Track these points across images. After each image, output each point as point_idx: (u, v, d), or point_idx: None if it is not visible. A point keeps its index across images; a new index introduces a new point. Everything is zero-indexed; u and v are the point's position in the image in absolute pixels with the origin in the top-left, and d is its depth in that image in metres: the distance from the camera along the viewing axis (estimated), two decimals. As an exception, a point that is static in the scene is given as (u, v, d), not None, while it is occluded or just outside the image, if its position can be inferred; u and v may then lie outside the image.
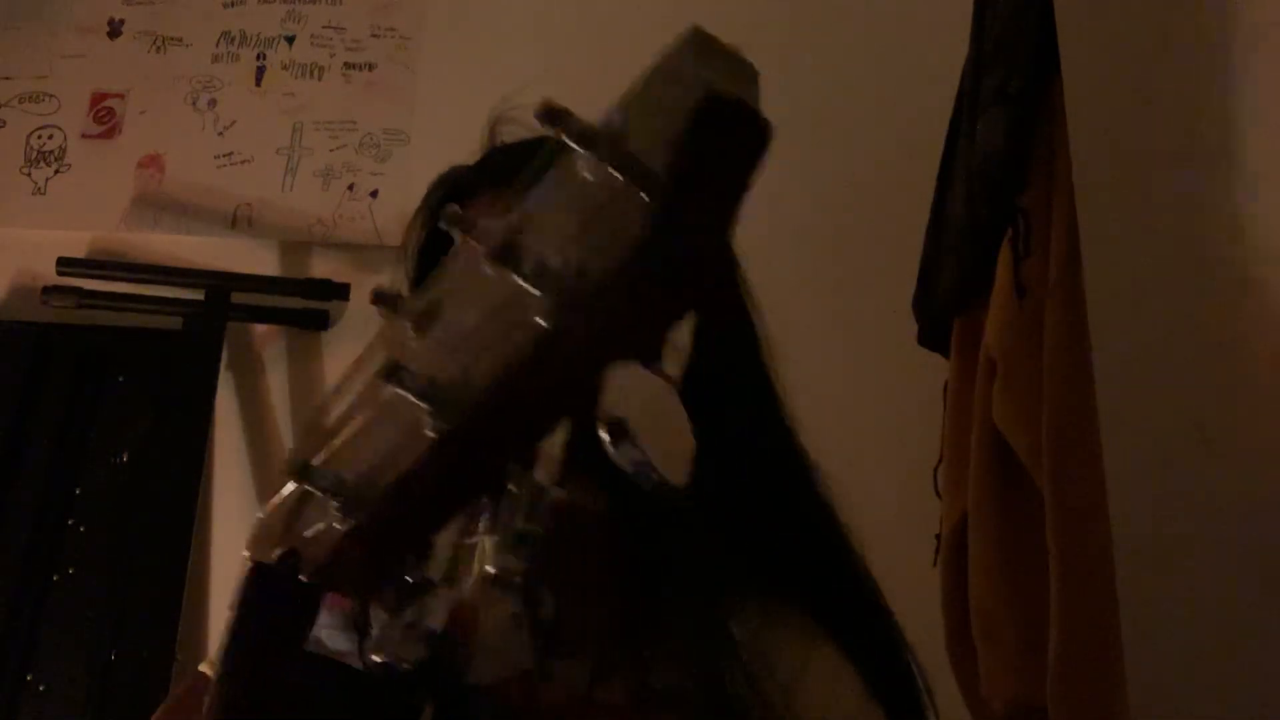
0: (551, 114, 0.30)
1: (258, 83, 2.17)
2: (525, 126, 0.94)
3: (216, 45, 2.19)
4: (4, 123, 2.17)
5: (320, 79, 2.16)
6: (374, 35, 2.18)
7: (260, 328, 2.02)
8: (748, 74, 0.31)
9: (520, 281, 0.30)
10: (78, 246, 2.05)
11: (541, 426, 0.33)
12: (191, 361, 1.91)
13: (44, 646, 1.76)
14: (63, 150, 2.14)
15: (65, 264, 1.97)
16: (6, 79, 2.20)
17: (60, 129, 2.16)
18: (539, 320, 0.30)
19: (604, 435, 0.31)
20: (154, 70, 2.18)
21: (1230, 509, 1.10)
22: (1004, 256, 1.36)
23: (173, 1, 2.22)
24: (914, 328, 1.61)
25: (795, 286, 1.93)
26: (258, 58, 2.18)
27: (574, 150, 0.31)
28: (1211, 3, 1.11)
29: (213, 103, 2.15)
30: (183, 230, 2.07)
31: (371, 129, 2.11)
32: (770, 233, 1.93)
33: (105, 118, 2.15)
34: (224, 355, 1.95)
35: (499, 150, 0.94)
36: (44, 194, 2.12)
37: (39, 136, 2.15)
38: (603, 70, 2.40)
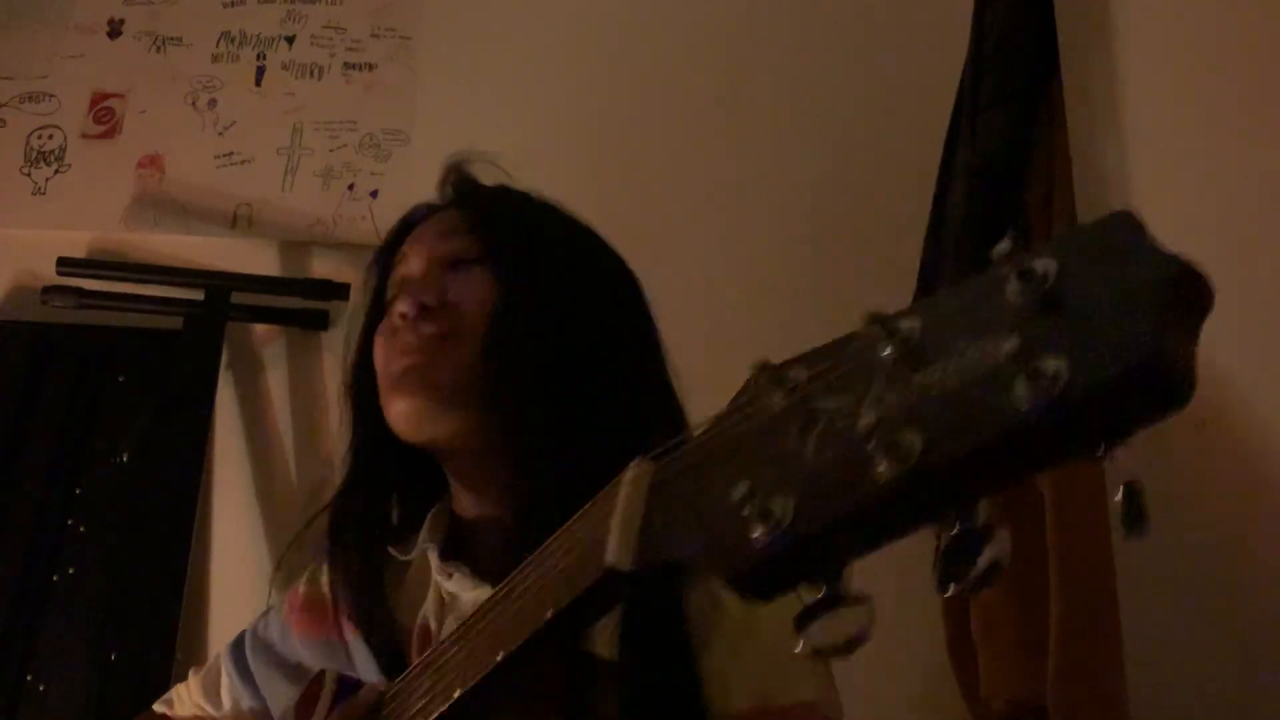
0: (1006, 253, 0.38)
1: (258, 83, 2.17)
2: (490, 168, 0.99)
3: (216, 45, 2.19)
4: (4, 123, 2.17)
5: (320, 79, 2.16)
6: (374, 35, 2.18)
7: (260, 328, 2.02)
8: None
9: (1014, 367, 0.35)
10: (78, 246, 2.04)
11: (991, 490, 0.38)
12: (191, 361, 1.91)
13: (44, 646, 1.75)
14: (63, 150, 2.14)
15: (65, 264, 1.97)
16: (6, 79, 2.20)
17: (60, 129, 2.16)
18: (1020, 409, 0.35)
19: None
20: (154, 70, 2.18)
21: (1230, 508, 1.10)
22: (1004, 256, 1.35)
23: (173, 1, 2.22)
24: (914, 328, 1.61)
25: (795, 287, 1.93)
26: (258, 58, 2.18)
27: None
28: (1209, 4, 1.11)
29: (213, 103, 2.15)
30: (183, 230, 2.07)
31: (371, 129, 2.11)
32: (770, 233, 1.94)
33: (105, 118, 2.15)
34: (224, 355, 1.95)
35: (459, 181, 0.99)
36: (44, 194, 2.11)
37: (39, 136, 2.15)
38: (601, 70, 2.41)
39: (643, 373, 0.89)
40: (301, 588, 0.95)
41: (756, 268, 1.87)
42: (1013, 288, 0.37)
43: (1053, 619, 1.16)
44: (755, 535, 0.41)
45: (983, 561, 0.38)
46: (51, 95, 2.18)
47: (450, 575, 0.85)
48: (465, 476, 0.89)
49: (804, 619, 0.41)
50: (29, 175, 2.13)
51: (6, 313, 2.03)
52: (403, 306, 0.86)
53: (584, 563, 0.53)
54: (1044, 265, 0.37)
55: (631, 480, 0.53)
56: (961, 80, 1.54)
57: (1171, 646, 1.12)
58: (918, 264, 1.60)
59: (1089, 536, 1.17)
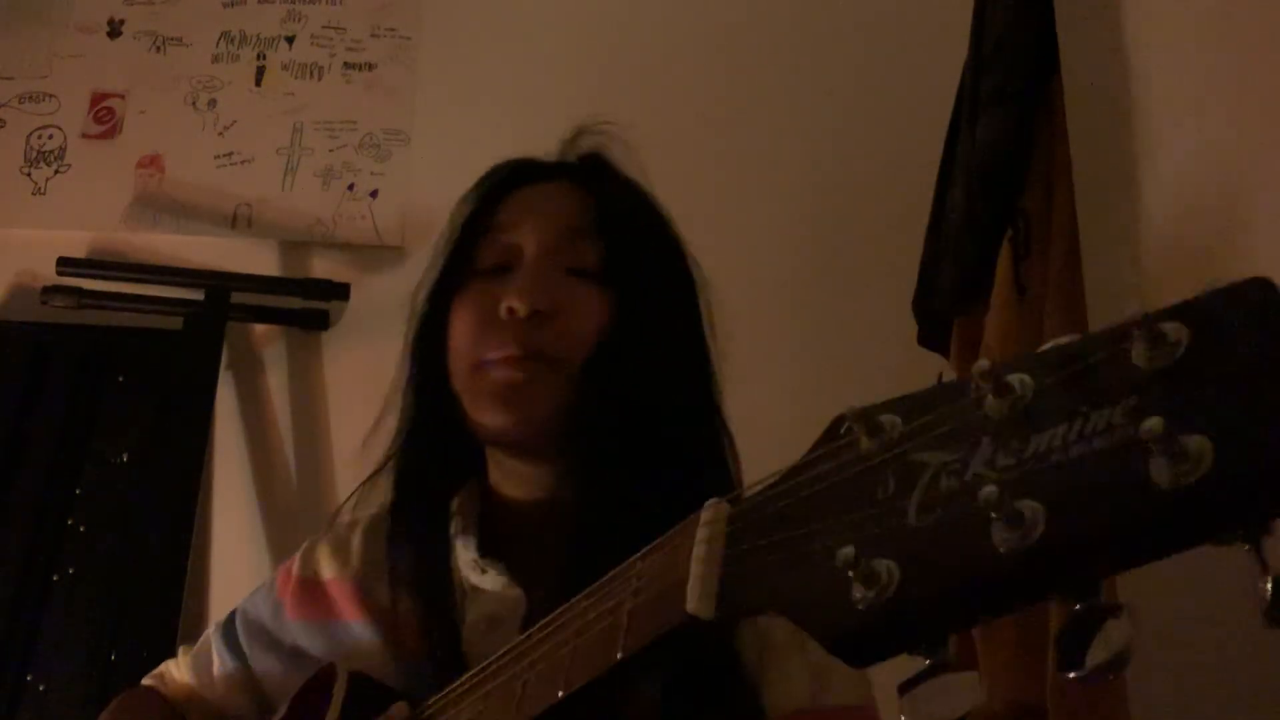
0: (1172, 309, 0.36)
1: (258, 83, 2.17)
2: (610, 141, 0.98)
3: (216, 45, 2.19)
4: (4, 123, 2.17)
5: (320, 79, 2.16)
6: (374, 35, 2.18)
7: (260, 328, 2.02)
8: None
9: (1150, 444, 0.33)
10: (78, 246, 2.05)
11: (1118, 570, 0.36)
12: (191, 361, 1.91)
13: (44, 646, 1.76)
14: (63, 150, 2.14)
15: (65, 264, 1.97)
16: (6, 79, 2.20)
17: (60, 129, 2.16)
18: (1160, 487, 0.33)
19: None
20: (154, 70, 2.18)
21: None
22: (1004, 256, 1.36)
23: (173, 1, 2.22)
24: (914, 328, 1.61)
25: (795, 287, 1.93)
26: (258, 58, 2.18)
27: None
28: (1210, 3, 1.11)
29: (213, 103, 2.15)
30: (183, 230, 2.07)
31: (371, 129, 2.12)
32: (770, 233, 1.94)
33: (105, 118, 2.15)
34: (224, 355, 1.95)
35: (589, 156, 0.98)
36: (44, 194, 2.12)
37: (39, 136, 2.15)
38: (600, 70, 2.40)
39: (712, 401, 0.89)
40: (295, 568, 0.93)
41: (756, 269, 1.86)
42: (1140, 352, 0.35)
43: (1053, 619, 1.16)
44: (857, 598, 0.39)
45: (1107, 648, 0.36)
46: (51, 95, 2.18)
47: (484, 571, 0.82)
48: (520, 458, 0.86)
49: (907, 686, 0.40)
50: (29, 175, 2.13)
51: (6, 313, 2.03)
52: (515, 302, 0.81)
53: (661, 606, 0.51)
54: (1175, 330, 0.35)
55: (709, 521, 0.50)
56: (961, 80, 1.54)
57: (1171, 647, 1.12)
58: (918, 263, 1.60)
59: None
